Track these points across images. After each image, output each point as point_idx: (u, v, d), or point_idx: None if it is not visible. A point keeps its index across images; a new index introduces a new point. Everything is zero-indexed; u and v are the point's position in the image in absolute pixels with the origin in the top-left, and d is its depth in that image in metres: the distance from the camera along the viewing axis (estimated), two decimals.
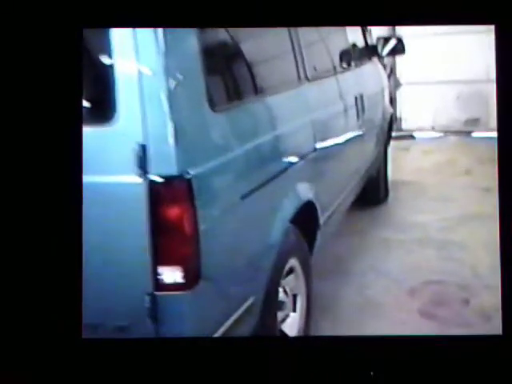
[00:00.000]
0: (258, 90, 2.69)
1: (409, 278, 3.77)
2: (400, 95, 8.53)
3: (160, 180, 1.96)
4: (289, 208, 2.71)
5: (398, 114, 8.41)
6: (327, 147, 3.36)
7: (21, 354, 1.51)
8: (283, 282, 2.72)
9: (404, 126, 8.51)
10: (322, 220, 3.21)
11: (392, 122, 5.63)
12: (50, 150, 1.53)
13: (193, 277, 2.00)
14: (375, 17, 1.74)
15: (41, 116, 1.56)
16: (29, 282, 1.51)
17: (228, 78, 2.49)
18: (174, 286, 1.98)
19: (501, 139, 1.68)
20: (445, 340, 1.64)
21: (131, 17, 1.64)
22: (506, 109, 1.66)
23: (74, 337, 1.50)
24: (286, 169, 2.73)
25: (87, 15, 1.56)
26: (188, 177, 1.99)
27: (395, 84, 8.40)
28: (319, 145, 3.17)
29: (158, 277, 1.97)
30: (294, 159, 2.84)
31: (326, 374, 1.61)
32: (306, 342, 1.95)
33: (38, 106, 1.56)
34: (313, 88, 3.27)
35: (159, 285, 1.97)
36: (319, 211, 3.10)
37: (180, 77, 2.04)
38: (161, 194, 1.96)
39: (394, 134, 6.17)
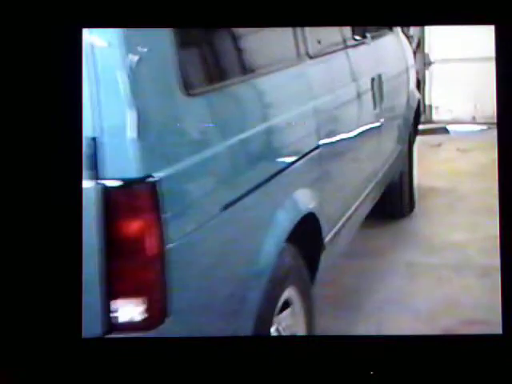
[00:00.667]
0: (245, 70, 2.70)
1: (441, 316, 3.77)
2: (430, 76, 8.58)
3: (116, 185, 1.96)
4: (284, 222, 2.72)
5: (427, 101, 8.46)
6: (334, 143, 3.37)
7: (20, 354, 1.81)
8: (276, 319, 2.71)
9: (435, 116, 8.56)
10: (327, 238, 3.22)
11: (419, 111, 5.66)
12: (47, 150, 1.84)
13: (157, 312, 1.99)
14: (374, 16, 2.06)
15: (39, 116, 1.85)
16: (28, 281, 1.80)
17: (207, 54, 2.50)
18: (133, 326, 1.96)
19: (501, 141, 2.01)
20: (445, 340, 2.00)
21: (131, 17, 1.95)
22: (506, 110, 1.99)
23: (74, 337, 1.79)
24: (280, 171, 2.74)
25: (87, 15, 1.87)
26: (153, 181, 1.99)
27: (424, 61, 8.44)
28: (324, 140, 3.18)
29: (112, 313, 1.95)
30: (291, 159, 2.85)
31: (326, 373, 1.93)
32: (306, 341, 2.24)
33: (37, 106, 1.85)
34: (316, 67, 3.28)
35: (112, 324, 1.95)
36: (323, 227, 3.11)
37: (144, 50, 2.04)
38: (117, 203, 1.96)
39: (421, 126, 6.20)
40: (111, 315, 1.95)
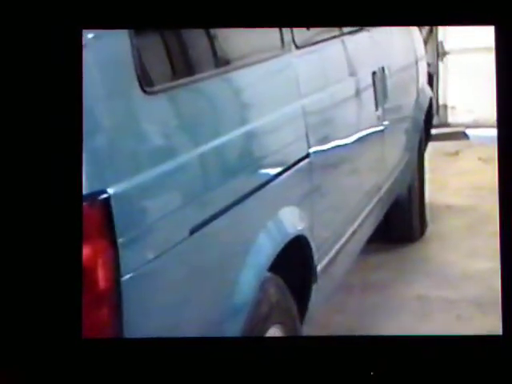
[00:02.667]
0: (218, 62, 2.72)
1: None
2: (445, 70, 8.63)
3: None
4: (267, 247, 2.73)
5: (441, 100, 8.50)
6: (328, 151, 3.40)
7: (20, 354, 2.01)
8: None
9: (452, 117, 8.60)
10: (319, 266, 3.23)
11: (431, 112, 5.70)
12: (47, 150, 2.01)
13: None
14: (373, 16, 2.25)
15: (38, 117, 2.01)
16: (28, 282, 1.99)
17: (172, 42, 2.50)
18: None
19: (501, 142, 2.23)
20: (445, 340, 2.26)
21: (132, 17, 2.14)
22: (506, 110, 2.21)
23: (74, 337, 1.98)
24: (262, 185, 2.76)
25: (87, 16, 2.07)
26: (104, 198, 2.00)
27: (437, 52, 8.49)
28: (315, 148, 3.20)
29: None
30: (275, 170, 2.88)
31: (326, 374, 2.16)
32: (306, 342, 2.47)
33: (36, 107, 2.01)
34: (305, 58, 3.30)
35: None
36: (315, 253, 3.12)
37: (89, 37, 2.05)
38: None
39: (435, 130, 6.23)
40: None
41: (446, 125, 8.47)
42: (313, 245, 3.09)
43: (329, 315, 4.11)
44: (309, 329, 3.25)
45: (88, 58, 2.04)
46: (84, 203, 1.97)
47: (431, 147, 5.85)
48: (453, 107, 8.60)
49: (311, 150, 3.16)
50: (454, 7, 2.21)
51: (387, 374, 2.16)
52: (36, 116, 2.01)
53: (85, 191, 1.97)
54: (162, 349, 2.10)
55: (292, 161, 3.01)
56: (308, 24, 2.76)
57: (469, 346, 2.20)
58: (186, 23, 2.25)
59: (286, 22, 2.48)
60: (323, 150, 3.33)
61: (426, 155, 5.63)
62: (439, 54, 8.56)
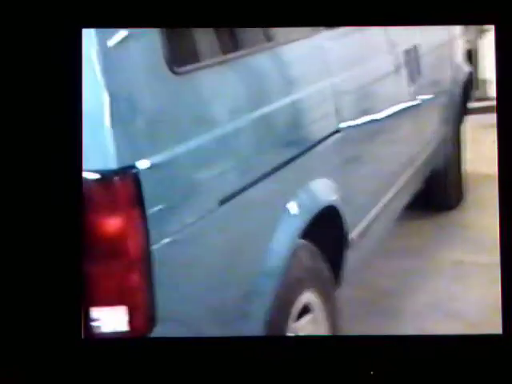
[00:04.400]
0: (253, 41, 2.68)
1: (495, 324, 3.71)
2: (484, 46, 8.49)
3: (92, 177, 1.95)
4: (298, 216, 2.70)
5: (479, 74, 8.37)
6: (361, 126, 3.35)
7: (19, 354, 1.98)
8: (294, 326, 2.69)
9: (490, 91, 8.47)
10: (353, 233, 3.19)
11: (468, 87, 5.60)
12: (47, 149, 1.98)
13: (142, 322, 1.99)
14: (373, 16, 2.22)
15: (38, 116, 1.98)
16: (28, 281, 1.96)
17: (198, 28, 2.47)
18: None
19: (501, 139, 2.21)
20: (444, 340, 2.20)
21: (131, 17, 2.08)
22: (506, 109, 2.18)
23: (74, 337, 1.95)
24: (294, 158, 2.72)
25: (86, 15, 2.02)
26: (134, 172, 1.98)
27: (476, 28, 8.35)
28: (347, 123, 3.16)
29: (91, 323, 1.96)
30: (307, 143, 2.84)
31: (326, 374, 2.10)
32: (306, 341, 2.40)
33: (36, 106, 1.99)
34: (336, 39, 3.25)
35: (93, 335, 1.96)
36: (346, 221, 3.08)
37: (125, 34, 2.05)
38: (93, 198, 1.95)
39: (475, 103, 6.13)
40: (91, 325, 1.96)
41: (486, 98, 8.35)
42: (344, 213, 3.05)
43: (368, 278, 4.09)
44: (348, 291, 3.23)
45: (122, 43, 2.04)
46: (115, 177, 1.96)
47: (470, 120, 5.77)
48: (491, 81, 8.49)
49: (343, 125, 3.12)
50: (455, 7, 2.16)
51: (387, 373, 2.10)
52: (35, 115, 1.98)
53: (116, 166, 1.95)
54: (162, 349, 2.05)
55: (323, 134, 2.97)
56: (324, 23, 2.77)
57: (469, 346, 2.14)
58: (189, 23, 2.21)
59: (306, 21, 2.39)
60: (357, 125, 3.29)
61: (464, 127, 5.55)
62: (479, 30, 8.43)
